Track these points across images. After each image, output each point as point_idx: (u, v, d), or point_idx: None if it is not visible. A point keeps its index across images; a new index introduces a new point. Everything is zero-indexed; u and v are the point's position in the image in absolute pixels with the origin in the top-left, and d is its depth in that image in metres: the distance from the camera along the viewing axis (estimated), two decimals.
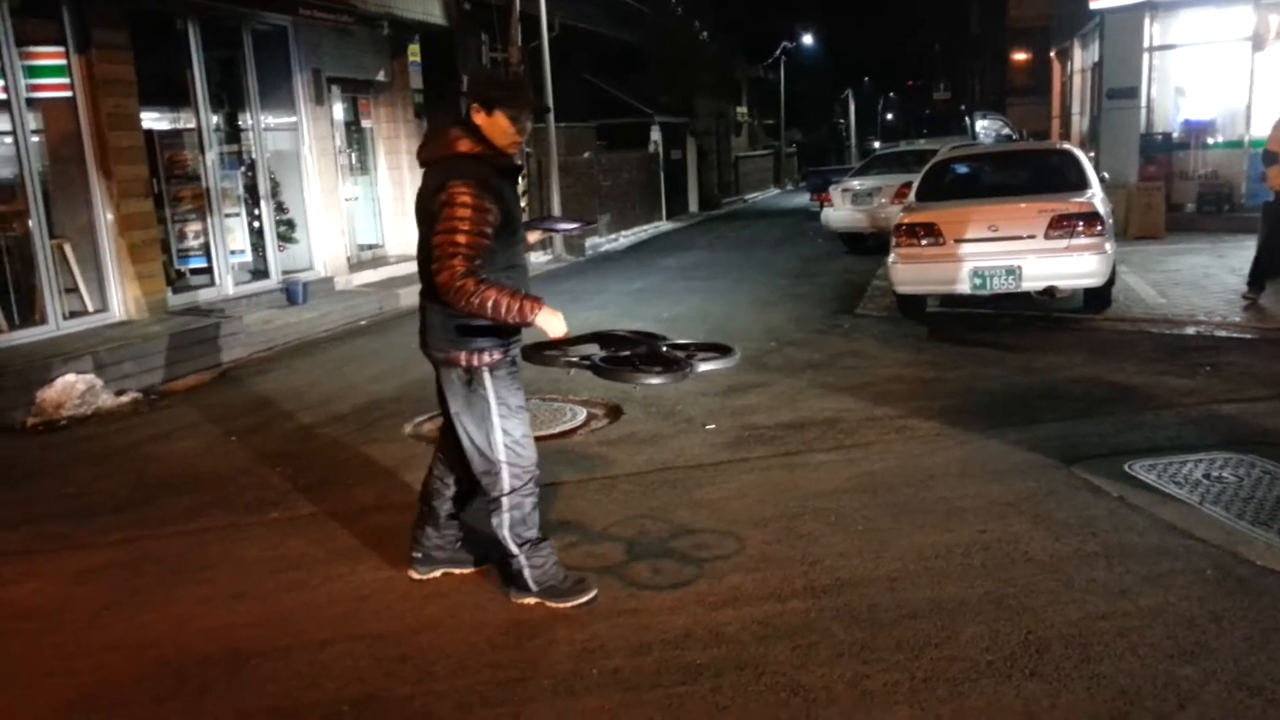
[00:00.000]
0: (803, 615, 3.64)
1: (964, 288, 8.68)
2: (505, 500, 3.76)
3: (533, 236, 4.21)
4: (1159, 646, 3.23)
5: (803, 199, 28.16)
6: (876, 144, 39.38)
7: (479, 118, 3.62)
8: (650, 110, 26.13)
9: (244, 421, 7.23)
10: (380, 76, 14.72)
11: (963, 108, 42.37)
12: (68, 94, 9.47)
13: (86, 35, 9.46)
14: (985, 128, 28.45)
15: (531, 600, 3.84)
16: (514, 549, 3.81)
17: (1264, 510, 4.27)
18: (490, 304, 3.42)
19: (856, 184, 16.08)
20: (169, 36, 10.92)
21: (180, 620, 4.00)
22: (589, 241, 19.00)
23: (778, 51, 41.71)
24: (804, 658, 3.34)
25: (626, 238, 21.31)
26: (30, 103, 9.22)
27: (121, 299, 9.89)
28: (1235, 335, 7.83)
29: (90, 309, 9.72)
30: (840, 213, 15.99)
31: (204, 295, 11.23)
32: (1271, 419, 5.55)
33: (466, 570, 4.16)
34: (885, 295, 10.48)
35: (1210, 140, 14.85)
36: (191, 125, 11.36)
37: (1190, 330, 8.10)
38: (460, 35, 16.24)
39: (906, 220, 9.10)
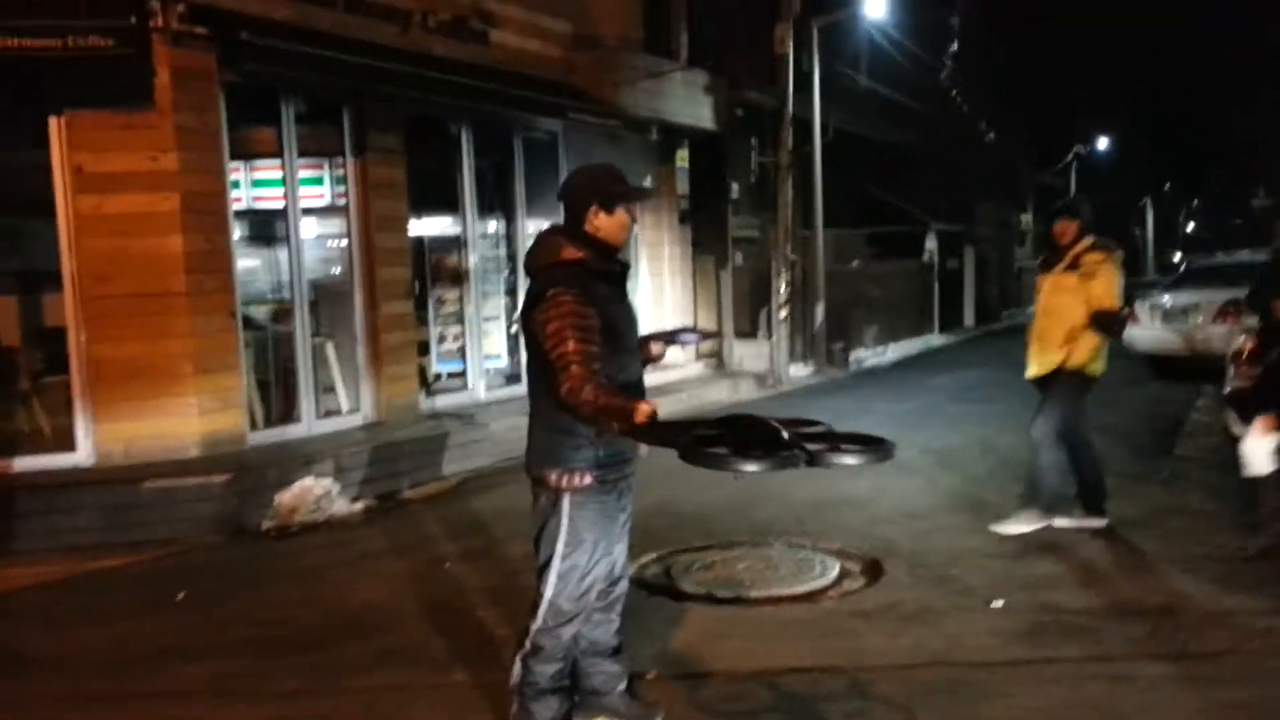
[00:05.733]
0: None
1: None
2: (530, 633, 3.47)
3: (655, 348, 3.73)
4: None
5: None
6: (1176, 256, 35.62)
7: (599, 219, 3.45)
8: (926, 216, 24.78)
9: (465, 543, 6.69)
10: (647, 182, 14.50)
11: None
12: (342, 201, 9.69)
13: (363, 141, 9.65)
14: None
15: None
16: (514, 682, 3.50)
17: None
18: (600, 407, 3.18)
19: (1168, 300, 14.15)
20: (441, 141, 11.08)
21: None
22: (853, 355, 17.84)
23: (1069, 156, 38.99)
24: None
25: (894, 351, 19.95)
26: (307, 210, 9.46)
27: (374, 400, 9.83)
28: None
29: (344, 409, 9.71)
30: (1149, 332, 14.03)
31: (456, 399, 11.05)
32: None
33: None
34: (1210, 434, 8.72)
35: None
36: (457, 230, 11.40)
37: None
38: (730, 140, 15.90)
39: (1254, 345, 7.46)
